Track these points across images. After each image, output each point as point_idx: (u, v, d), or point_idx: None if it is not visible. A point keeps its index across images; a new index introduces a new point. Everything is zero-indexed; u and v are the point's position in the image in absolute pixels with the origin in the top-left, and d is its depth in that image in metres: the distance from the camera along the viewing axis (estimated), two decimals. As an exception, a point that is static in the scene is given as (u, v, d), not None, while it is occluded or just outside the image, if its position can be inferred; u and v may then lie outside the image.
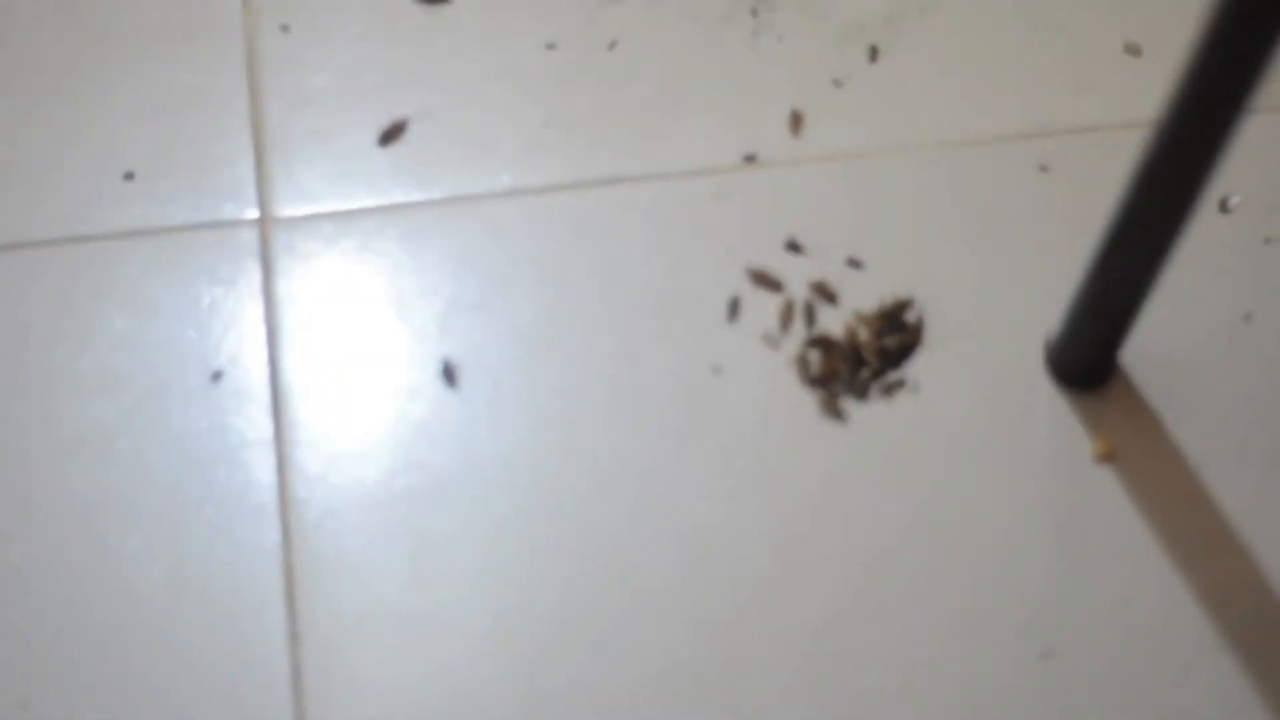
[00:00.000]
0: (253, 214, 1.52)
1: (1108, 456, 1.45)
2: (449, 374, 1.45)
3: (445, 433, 1.44)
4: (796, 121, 1.58)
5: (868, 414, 1.46)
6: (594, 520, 1.41)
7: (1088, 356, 1.47)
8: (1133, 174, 1.26)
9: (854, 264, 1.52)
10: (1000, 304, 1.51)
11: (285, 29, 1.60)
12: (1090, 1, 1.66)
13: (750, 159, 1.56)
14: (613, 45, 1.62)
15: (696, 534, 1.41)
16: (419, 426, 1.44)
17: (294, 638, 1.35)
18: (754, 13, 1.63)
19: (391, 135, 1.56)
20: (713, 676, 1.37)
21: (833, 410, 1.46)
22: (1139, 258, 1.33)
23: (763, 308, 1.50)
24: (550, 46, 1.61)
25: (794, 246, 1.52)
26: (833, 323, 1.49)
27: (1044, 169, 1.57)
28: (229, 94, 1.58)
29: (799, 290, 1.50)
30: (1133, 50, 1.63)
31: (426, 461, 1.42)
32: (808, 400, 1.46)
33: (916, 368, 1.48)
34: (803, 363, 1.47)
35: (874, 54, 1.62)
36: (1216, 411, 1.47)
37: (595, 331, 1.49)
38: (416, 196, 1.54)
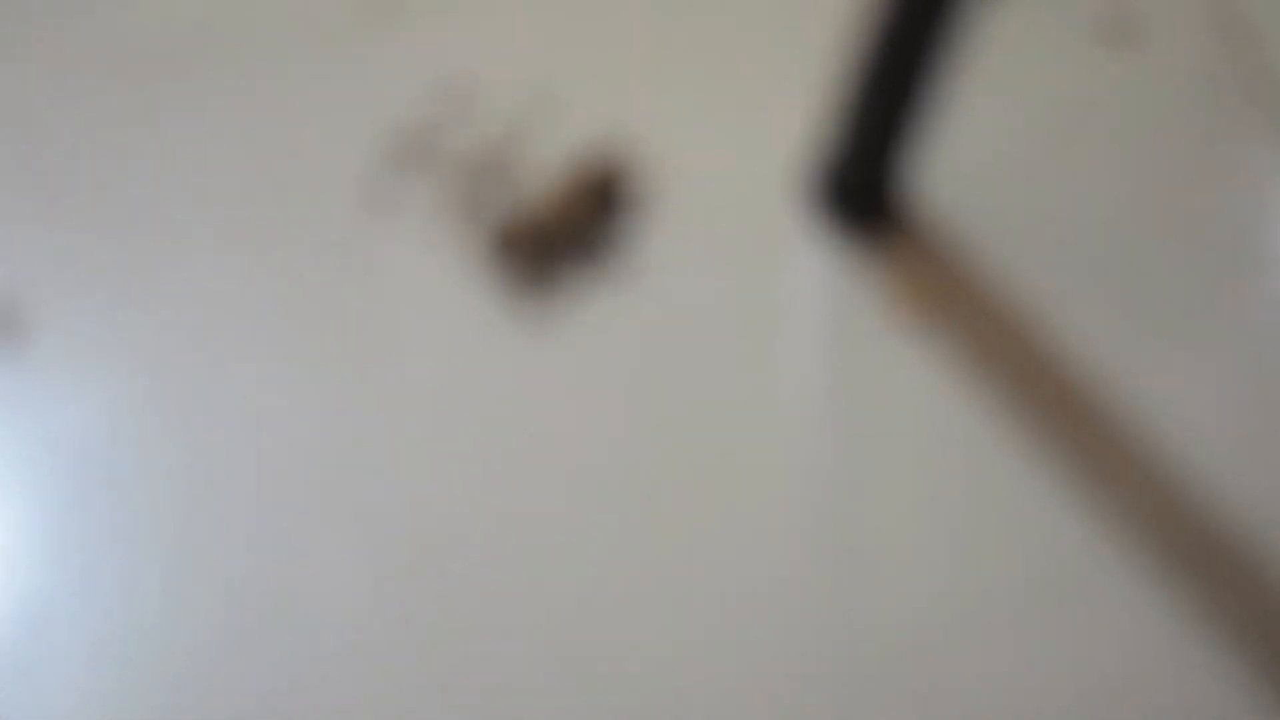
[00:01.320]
0: None
1: (907, 316, 1.07)
2: (-29, 338, 1.03)
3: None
4: (428, -68, 1.18)
5: (576, 310, 1.06)
6: (221, 519, 1.00)
7: (860, 183, 1.09)
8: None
9: (531, 109, 1.12)
10: (735, 136, 1.12)
11: None
12: None
13: (370, -11, 1.16)
14: None
15: (375, 514, 1.00)
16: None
17: None
18: None
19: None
20: (425, 690, 0.97)
21: (527, 311, 1.06)
22: (914, 44, 0.97)
23: (412, 184, 1.09)
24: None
25: (445, 94, 1.12)
26: (512, 192, 1.09)
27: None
28: None
29: (458, 153, 1.10)
30: None
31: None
32: (490, 304, 1.06)
33: (634, 238, 1.09)
34: (477, 253, 1.07)
35: None
36: (1045, 240, 1.09)
37: (188, 254, 1.07)
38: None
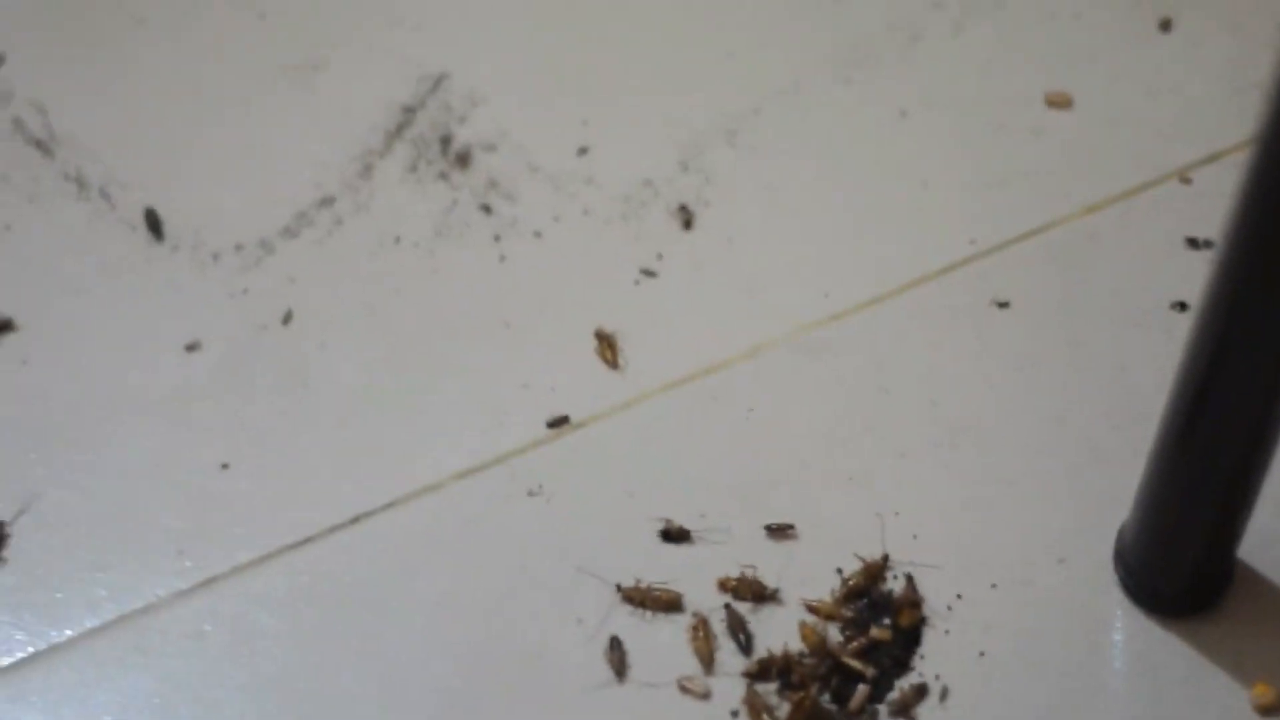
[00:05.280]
0: None
1: (1257, 694, 0.88)
2: None
3: None
4: (608, 347, 1.01)
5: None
6: None
7: (1187, 574, 0.91)
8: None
9: (777, 531, 0.93)
10: (1026, 515, 0.94)
11: None
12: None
13: (559, 422, 0.98)
14: (287, 318, 1.04)
15: None
16: None
17: None
18: (487, 208, 1.07)
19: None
20: None
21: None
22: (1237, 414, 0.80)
23: (662, 639, 0.90)
24: (192, 347, 1.03)
25: (674, 533, 0.93)
26: (780, 630, 0.90)
27: (1001, 304, 1.02)
28: None
29: (708, 598, 0.91)
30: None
31: None
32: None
33: (933, 657, 0.90)
34: (754, 709, 0.88)
35: (686, 218, 1.07)
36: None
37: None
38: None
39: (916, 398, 0.98)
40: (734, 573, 0.91)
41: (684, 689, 0.88)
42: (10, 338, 1.00)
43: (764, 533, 0.93)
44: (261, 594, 0.91)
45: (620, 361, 0.99)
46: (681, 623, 0.90)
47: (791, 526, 0.93)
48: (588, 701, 0.87)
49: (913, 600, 0.91)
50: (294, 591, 0.91)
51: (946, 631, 0.90)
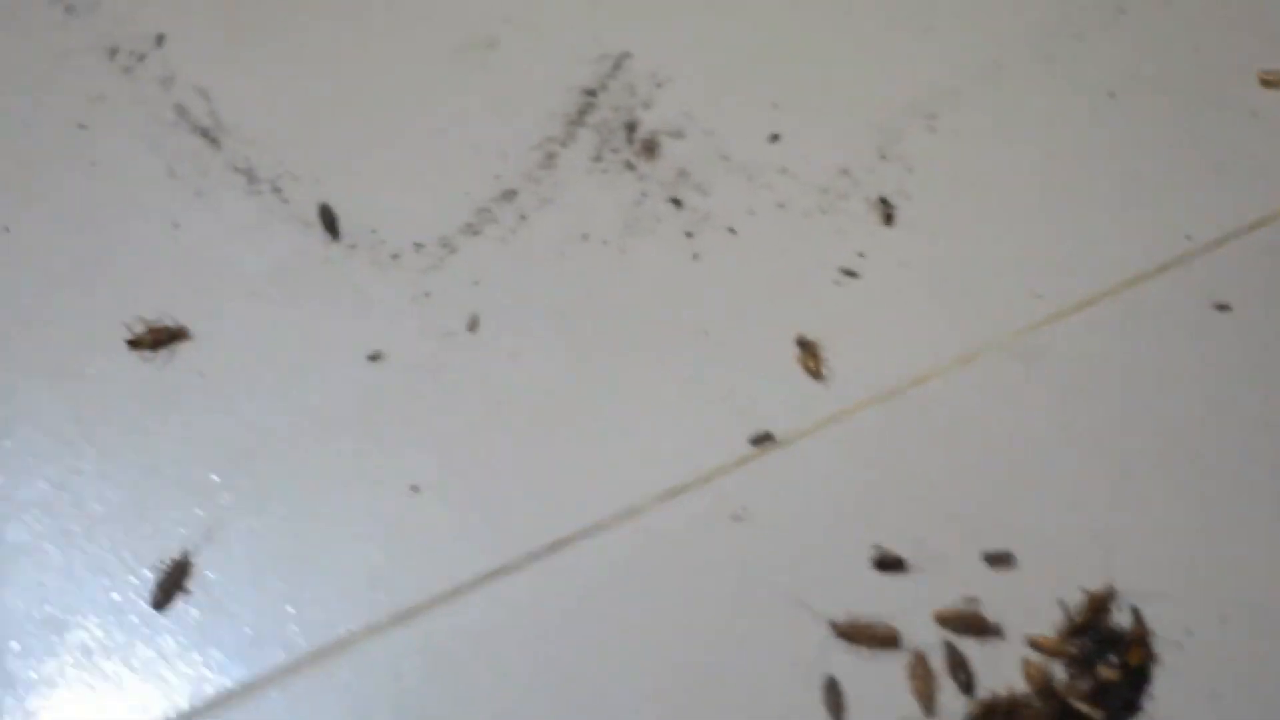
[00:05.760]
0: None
1: None
2: None
3: None
4: (811, 355, 0.96)
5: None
6: None
7: None
8: None
9: (996, 560, 0.88)
10: (1256, 537, 0.88)
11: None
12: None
13: (763, 439, 0.94)
14: (474, 324, 0.99)
15: None
16: None
17: None
18: (678, 202, 1.02)
19: (172, 585, 0.91)
20: None
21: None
22: None
23: (879, 679, 0.85)
24: (375, 357, 0.98)
25: (889, 561, 0.89)
26: (1003, 668, 0.85)
27: (1221, 307, 0.97)
28: None
29: (925, 632, 0.87)
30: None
31: None
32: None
33: (1164, 698, 0.85)
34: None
35: (887, 211, 1.01)
36: None
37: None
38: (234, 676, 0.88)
39: (1136, 409, 0.93)
40: (951, 604, 0.87)
41: (905, 732, 0.85)
42: (185, 347, 0.95)
43: (981, 560, 0.88)
44: (458, 627, 0.87)
45: (824, 371, 0.95)
46: (899, 659, 0.86)
47: (1011, 554, 0.88)
48: (804, 747, 0.84)
49: (1141, 636, 0.86)
50: (493, 624, 0.87)
51: (1177, 670, 0.85)
